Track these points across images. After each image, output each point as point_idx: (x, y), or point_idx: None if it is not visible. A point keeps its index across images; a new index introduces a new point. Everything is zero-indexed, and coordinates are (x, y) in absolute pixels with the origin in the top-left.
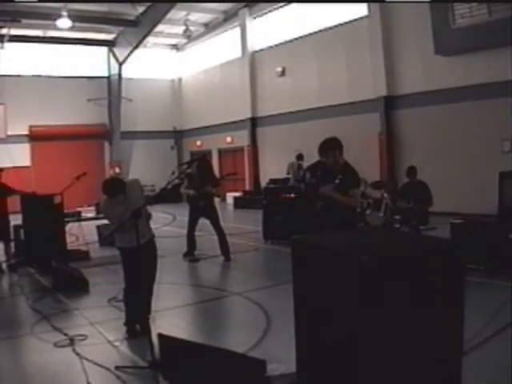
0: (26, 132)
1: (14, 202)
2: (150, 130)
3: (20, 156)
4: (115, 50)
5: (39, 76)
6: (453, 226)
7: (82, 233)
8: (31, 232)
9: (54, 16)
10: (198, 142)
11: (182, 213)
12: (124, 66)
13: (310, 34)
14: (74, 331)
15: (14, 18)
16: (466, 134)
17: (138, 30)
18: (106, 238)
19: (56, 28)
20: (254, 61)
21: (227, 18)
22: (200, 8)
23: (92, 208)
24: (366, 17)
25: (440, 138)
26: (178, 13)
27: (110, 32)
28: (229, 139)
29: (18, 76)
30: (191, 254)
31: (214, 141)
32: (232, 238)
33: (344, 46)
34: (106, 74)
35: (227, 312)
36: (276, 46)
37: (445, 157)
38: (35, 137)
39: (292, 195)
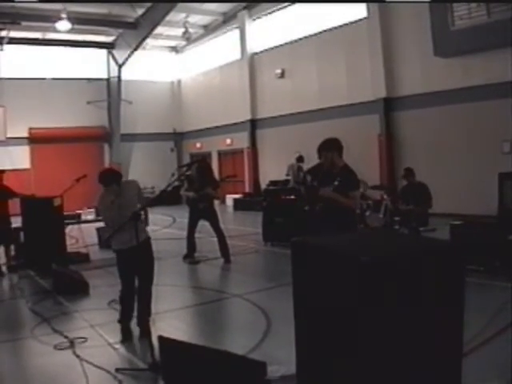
0: (26, 134)
1: (13, 205)
2: (150, 132)
3: (20, 158)
4: (115, 52)
5: (39, 78)
6: (452, 227)
7: (82, 235)
8: (31, 234)
9: (54, 18)
10: (198, 144)
11: (182, 215)
12: (123, 68)
13: (310, 36)
14: (74, 333)
15: (14, 21)
16: (466, 136)
17: (137, 32)
18: (106, 240)
19: (55, 30)
20: (253, 63)
21: (226, 20)
22: (199, 10)
23: (92, 210)
24: (365, 18)
25: (439, 140)
26: (177, 15)
27: (109, 34)
28: (228, 141)
29: (18, 78)
30: (191, 256)
31: (213, 143)
32: (232, 240)
33: (343, 48)
34: (106, 76)
35: (227, 314)
36: (275, 47)
37: (444, 158)
38: (35, 139)
39: (292, 197)
